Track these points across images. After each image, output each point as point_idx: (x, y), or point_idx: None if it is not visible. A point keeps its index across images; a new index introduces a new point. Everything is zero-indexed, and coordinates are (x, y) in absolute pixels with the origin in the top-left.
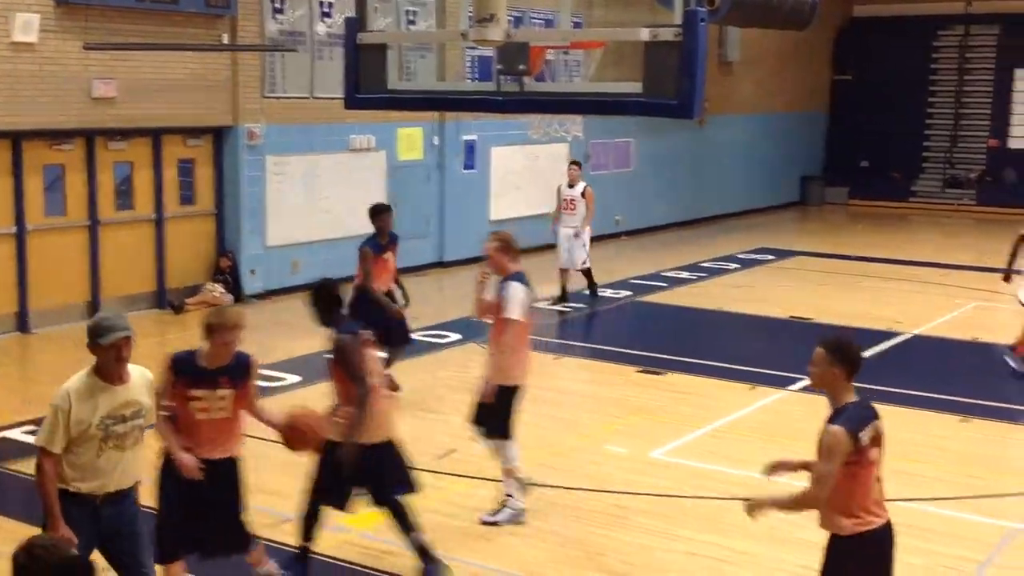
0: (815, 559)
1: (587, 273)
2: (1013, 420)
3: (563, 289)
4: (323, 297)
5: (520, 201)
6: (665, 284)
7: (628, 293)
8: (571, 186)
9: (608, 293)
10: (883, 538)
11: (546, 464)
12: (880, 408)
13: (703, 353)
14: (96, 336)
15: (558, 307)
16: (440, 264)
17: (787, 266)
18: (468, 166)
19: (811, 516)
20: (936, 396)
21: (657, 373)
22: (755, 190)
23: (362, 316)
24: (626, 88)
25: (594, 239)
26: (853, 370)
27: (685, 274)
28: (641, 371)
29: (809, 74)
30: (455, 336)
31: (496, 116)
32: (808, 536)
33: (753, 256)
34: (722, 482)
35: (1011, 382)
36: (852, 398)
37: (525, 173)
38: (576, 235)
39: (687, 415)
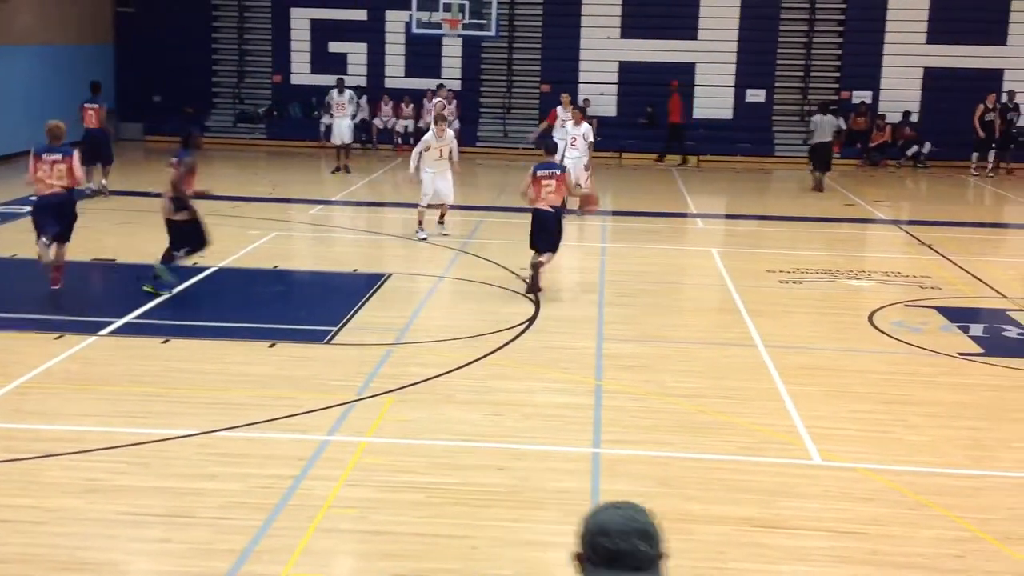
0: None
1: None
2: (314, 340)
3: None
4: None
5: None
6: None
7: None
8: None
9: None
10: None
11: None
12: (187, 343)
13: None
14: (593, 547)
15: None
16: None
17: (83, 207)
18: None
19: (120, 471)
20: (245, 325)
21: None
22: (41, 128)
23: None
24: None
25: None
26: None
27: None
28: None
29: (92, 5)
30: None
31: None
32: (129, 483)
33: None
34: (32, 440)
35: (312, 306)
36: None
37: None
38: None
39: None
